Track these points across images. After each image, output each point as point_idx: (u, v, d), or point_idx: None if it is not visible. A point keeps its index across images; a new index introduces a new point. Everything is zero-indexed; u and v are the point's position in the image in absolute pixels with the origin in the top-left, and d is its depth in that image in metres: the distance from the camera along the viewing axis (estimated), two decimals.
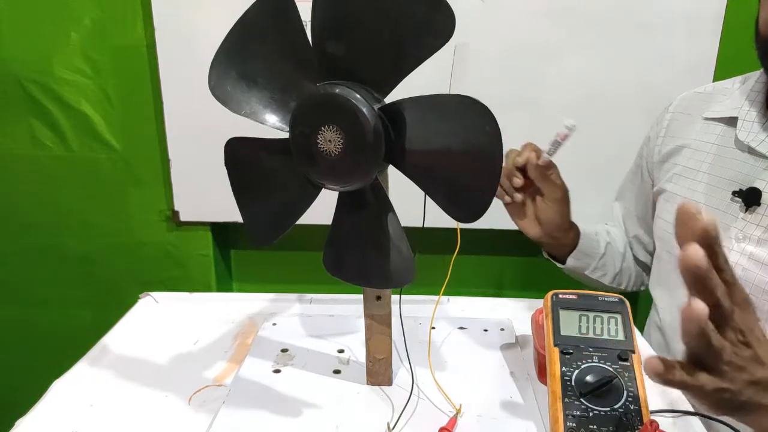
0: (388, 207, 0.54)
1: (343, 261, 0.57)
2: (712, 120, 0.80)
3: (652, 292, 0.89)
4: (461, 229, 0.82)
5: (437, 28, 0.45)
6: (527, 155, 0.78)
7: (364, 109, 0.48)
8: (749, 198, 0.71)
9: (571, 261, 0.90)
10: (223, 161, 0.60)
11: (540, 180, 0.80)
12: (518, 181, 0.80)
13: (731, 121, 0.77)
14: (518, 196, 0.82)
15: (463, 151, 0.48)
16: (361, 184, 0.52)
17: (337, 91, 0.49)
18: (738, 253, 0.71)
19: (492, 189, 0.48)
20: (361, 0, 0.49)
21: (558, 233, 0.86)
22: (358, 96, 0.49)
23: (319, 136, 0.50)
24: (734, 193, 0.73)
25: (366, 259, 0.56)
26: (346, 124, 0.49)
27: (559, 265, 0.93)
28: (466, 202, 0.50)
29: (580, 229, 0.90)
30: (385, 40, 0.49)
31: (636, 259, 0.97)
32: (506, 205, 0.84)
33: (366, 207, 0.55)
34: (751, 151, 0.73)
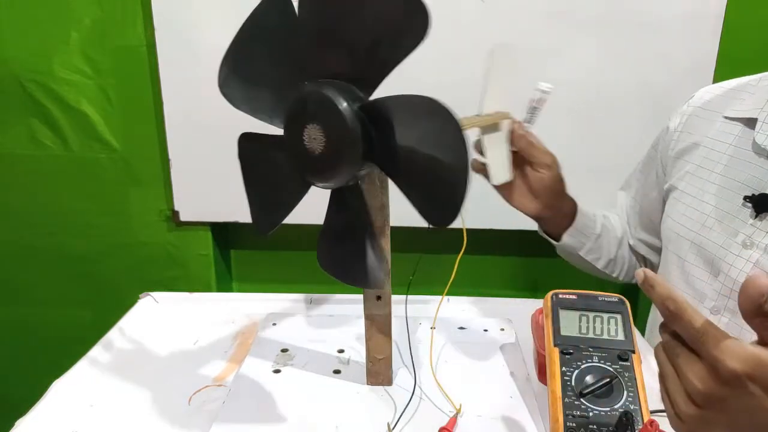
0: (365, 209, 0.55)
1: (327, 256, 0.58)
2: (733, 119, 0.76)
3: None
4: (463, 230, 0.82)
5: (412, 28, 0.46)
6: (512, 128, 0.77)
7: (341, 107, 0.49)
8: (760, 204, 0.69)
9: (566, 238, 0.87)
10: (232, 156, 0.61)
11: (527, 149, 0.78)
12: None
13: (750, 122, 0.73)
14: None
15: (432, 153, 0.48)
16: (343, 182, 0.53)
17: (319, 89, 0.50)
18: (744, 260, 0.69)
19: (461, 194, 0.47)
20: (340, 2, 0.49)
21: (556, 201, 0.83)
22: (338, 94, 0.49)
23: (305, 134, 0.51)
24: (746, 197, 0.71)
25: (343, 256, 0.58)
26: (327, 122, 0.50)
27: (553, 242, 0.90)
28: (438, 205, 0.50)
29: (577, 206, 0.87)
30: (364, 40, 0.49)
31: (633, 250, 0.96)
32: (497, 186, 0.81)
33: (347, 206, 0.56)
34: None
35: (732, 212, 0.72)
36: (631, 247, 0.95)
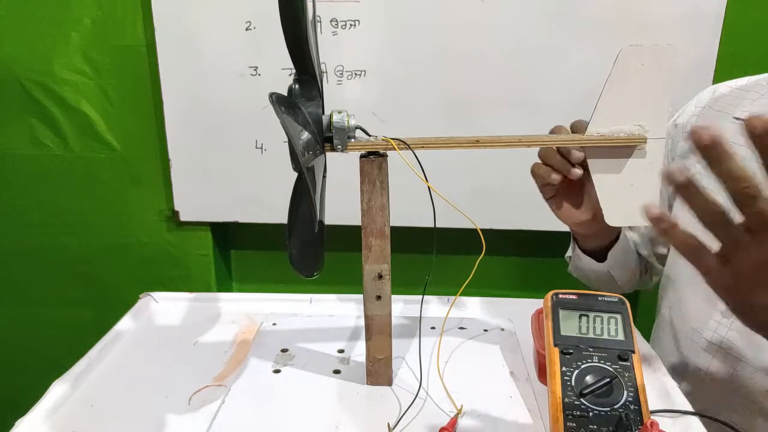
0: (303, 196, 0.57)
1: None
2: (744, 120, 0.76)
3: (664, 295, 0.84)
4: (462, 230, 0.82)
5: None
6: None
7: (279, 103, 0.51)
8: None
9: (611, 255, 0.81)
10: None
11: None
12: (579, 154, 0.64)
13: None
14: (577, 172, 0.65)
15: None
16: (294, 165, 0.55)
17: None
18: None
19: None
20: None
21: (613, 234, 0.79)
22: (295, 87, 0.53)
23: None
24: None
25: (289, 239, 0.59)
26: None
27: (592, 264, 0.84)
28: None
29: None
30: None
31: (642, 258, 0.90)
32: (546, 187, 0.71)
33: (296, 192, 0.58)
34: None
35: None
36: (639, 255, 0.90)
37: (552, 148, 0.67)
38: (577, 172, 0.65)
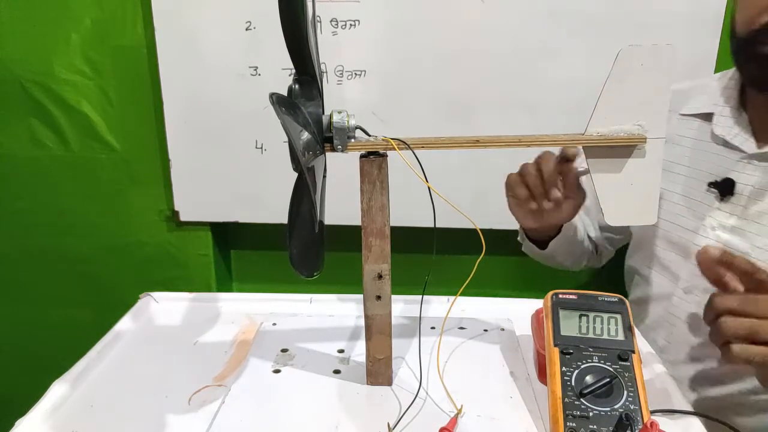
0: (304, 196, 0.57)
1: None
2: (689, 116, 0.83)
3: (630, 283, 0.91)
4: (462, 230, 0.82)
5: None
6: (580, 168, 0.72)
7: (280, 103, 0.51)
8: (724, 188, 0.75)
9: (553, 245, 0.88)
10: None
11: (574, 189, 0.75)
12: (558, 194, 0.75)
13: (707, 117, 0.81)
14: (549, 205, 0.76)
15: None
16: (294, 165, 0.55)
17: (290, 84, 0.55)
18: (713, 242, 0.76)
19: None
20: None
21: (557, 227, 0.87)
22: (295, 88, 0.53)
23: None
24: (710, 184, 0.77)
25: (289, 239, 0.59)
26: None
27: (535, 249, 0.92)
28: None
29: None
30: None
31: (591, 240, 0.99)
32: (514, 199, 0.79)
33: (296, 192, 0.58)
34: (726, 144, 0.77)
35: (698, 199, 0.79)
36: (590, 238, 0.99)
37: (550, 159, 0.74)
38: (549, 205, 0.77)
